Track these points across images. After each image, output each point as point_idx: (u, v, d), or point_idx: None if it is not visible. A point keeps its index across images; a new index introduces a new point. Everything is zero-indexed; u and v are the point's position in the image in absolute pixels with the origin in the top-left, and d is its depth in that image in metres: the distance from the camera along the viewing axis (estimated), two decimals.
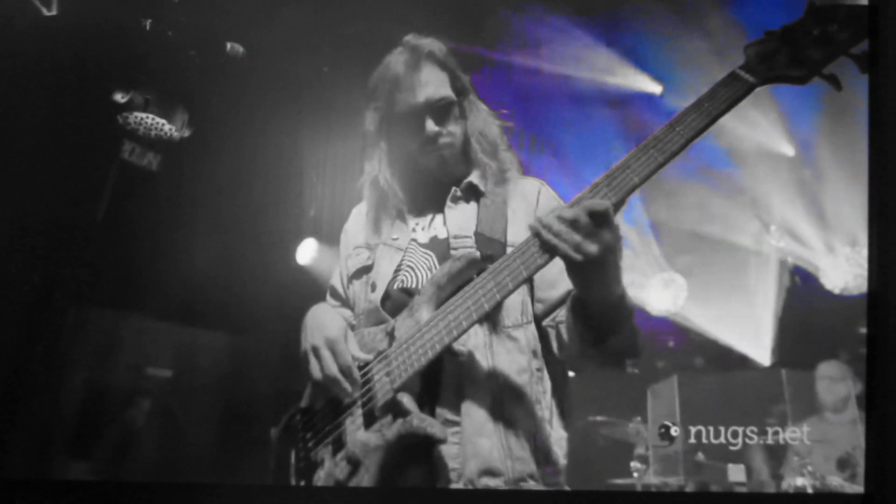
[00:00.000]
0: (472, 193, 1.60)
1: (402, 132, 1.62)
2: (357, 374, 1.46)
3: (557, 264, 1.36)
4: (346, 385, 1.45)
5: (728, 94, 1.36)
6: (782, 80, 1.38)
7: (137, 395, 2.64)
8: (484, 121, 1.65)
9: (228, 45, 2.68)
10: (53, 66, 2.41)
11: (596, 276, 1.28)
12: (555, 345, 1.48)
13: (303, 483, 1.51)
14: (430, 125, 1.57)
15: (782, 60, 1.38)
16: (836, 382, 3.12)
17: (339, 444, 1.46)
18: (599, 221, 1.23)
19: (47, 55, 2.40)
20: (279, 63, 2.84)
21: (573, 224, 1.24)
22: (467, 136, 1.63)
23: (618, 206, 1.30)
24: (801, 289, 3.78)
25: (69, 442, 2.41)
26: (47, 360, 2.42)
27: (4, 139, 2.26)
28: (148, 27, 2.57)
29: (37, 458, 2.33)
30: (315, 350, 1.48)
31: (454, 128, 1.60)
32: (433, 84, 1.60)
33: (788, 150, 3.72)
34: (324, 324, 1.51)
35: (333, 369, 1.45)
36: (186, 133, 2.73)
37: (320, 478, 1.47)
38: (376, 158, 1.66)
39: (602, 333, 1.36)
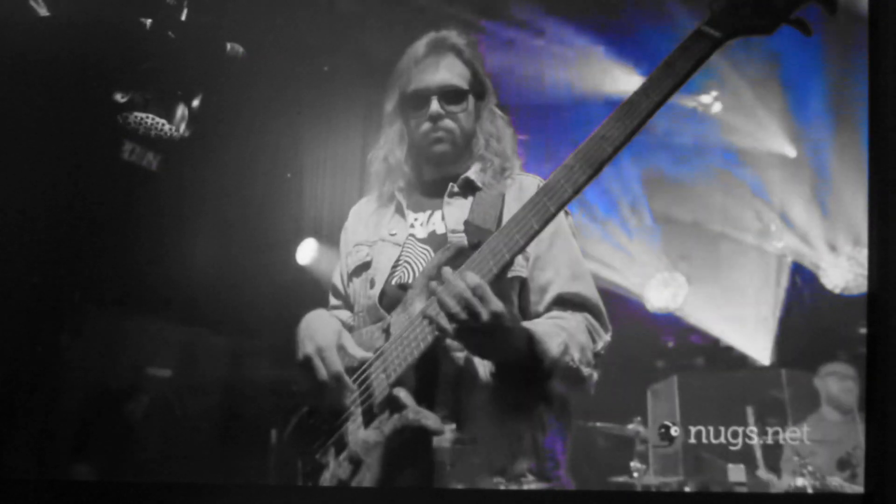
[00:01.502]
0: (470, 189, 1.61)
1: (411, 112, 1.63)
2: (348, 379, 1.46)
3: (545, 270, 1.40)
4: (337, 393, 1.46)
5: (695, 52, 1.35)
6: (748, 30, 1.36)
7: (138, 395, 2.64)
8: (498, 128, 1.67)
9: (228, 45, 2.68)
10: (53, 66, 2.41)
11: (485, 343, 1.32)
12: None
13: (310, 484, 1.51)
14: (435, 105, 1.60)
15: (747, 11, 1.36)
16: (854, 383, 3.12)
17: (341, 445, 1.47)
18: (481, 296, 1.26)
19: (47, 55, 2.40)
20: (279, 63, 2.83)
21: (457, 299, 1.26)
22: (475, 134, 1.64)
23: (582, 184, 1.31)
24: (801, 288, 3.77)
25: (69, 442, 2.41)
26: (47, 360, 2.42)
27: (4, 139, 2.26)
28: (148, 27, 2.57)
29: (37, 458, 2.33)
30: (307, 360, 1.49)
31: (460, 117, 1.61)
32: (450, 71, 1.63)
33: (791, 150, 3.72)
34: (314, 333, 1.51)
35: (324, 378, 1.46)
36: (186, 133, 2.73)
37: (325, 479, 1.47)
38: (390, 137, 1.68)
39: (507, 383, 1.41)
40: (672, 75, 1.33)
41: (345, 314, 1.67)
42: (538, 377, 1.37)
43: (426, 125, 1.61)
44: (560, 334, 1.41)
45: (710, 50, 1.34)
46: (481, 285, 1.26)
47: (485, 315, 1.24)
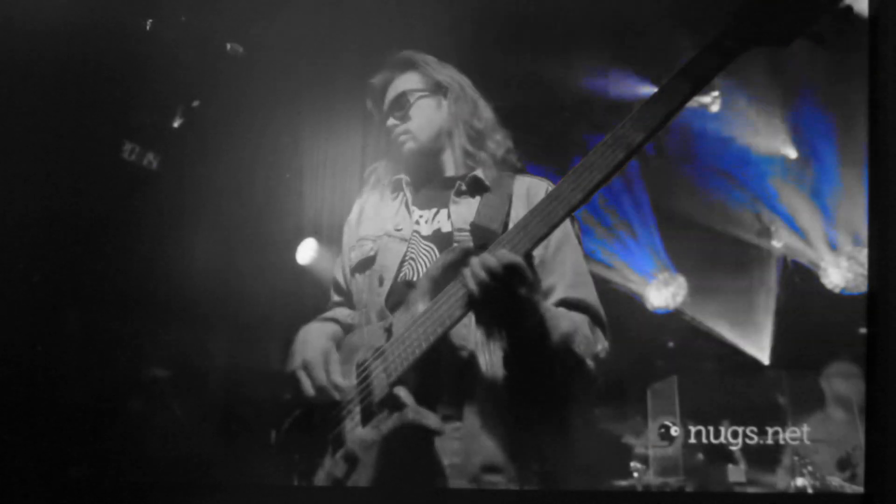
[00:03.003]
0: (478, 188, 1.61)
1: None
2: (333, 392, 1.48)
3: (550, 275, 1.41)
4: (325, 404, 1.48)
5: (711, 62, 1.36)
6: (764, 42, 1.37)
7: (137, 395, 2.64)
8: (471, 112, 1.69)
9: (228, 45, 2.68)
10: (54, 67, 2.41)
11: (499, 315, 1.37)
12: None
13: (304, 484, 1.51)
14: (389, 121, 1.73)
15: (764, 24, 1.37)
16: (861, 381, 3.10)
17: (338, 443, 1.47)
18: (512, 275, 1.29)
19: (48, 55, 2.40)
20: (279, 63, 2.83)
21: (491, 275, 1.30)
22: (454, 124, 1.67)
23: (595, 191, 1.32)
24: (801, 288, 3.77)
25: (69, 442, 2.41)
26: (47, 360, 2.42)
27: (4, 139, 2.27)
28: (148, 27, 2.57)
29: (37, 459, 2.33)
30: (292, 374, 1.51)
31: (410, 115, 1.68)
32: (395, 89, 1.72)
33: (791, 151, 3.72)
34: (304, 347, 1.55)
35: (310, 393, 1.48)
36: (186, 133, 2.73)
37: (321, 478, 1.47)
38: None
39: (513, 358, 1.44)
40: (687, 83, 1.34)
41: (345, 313, 1.67)
42: (546, 356, 1.38)
43: (391, 137, 1.70)
44: (569, 317, 1.43)
45: (725, 60, 1.35)
46: (516, 261, 1.30)
47: (522, 290, 1.28)
